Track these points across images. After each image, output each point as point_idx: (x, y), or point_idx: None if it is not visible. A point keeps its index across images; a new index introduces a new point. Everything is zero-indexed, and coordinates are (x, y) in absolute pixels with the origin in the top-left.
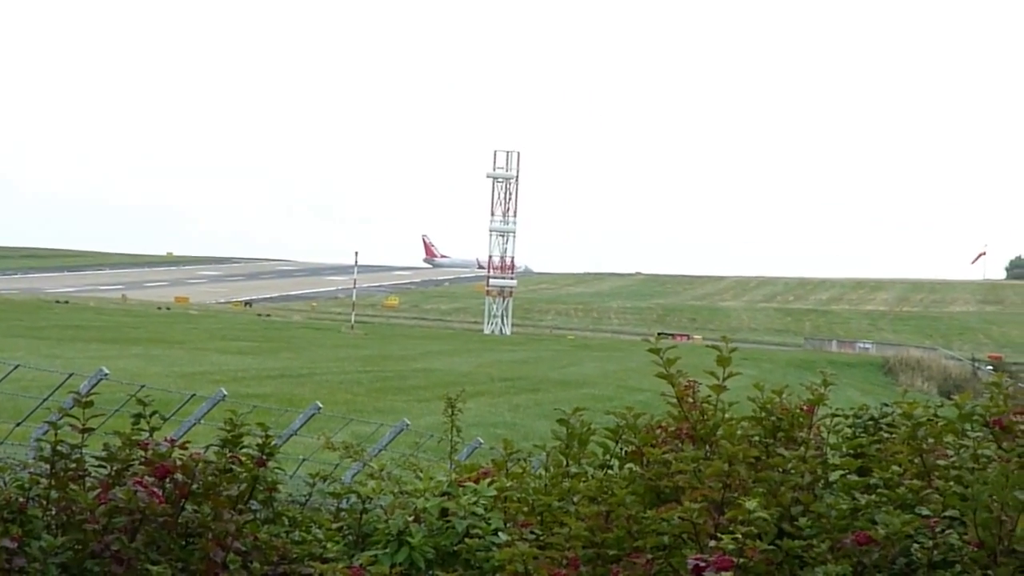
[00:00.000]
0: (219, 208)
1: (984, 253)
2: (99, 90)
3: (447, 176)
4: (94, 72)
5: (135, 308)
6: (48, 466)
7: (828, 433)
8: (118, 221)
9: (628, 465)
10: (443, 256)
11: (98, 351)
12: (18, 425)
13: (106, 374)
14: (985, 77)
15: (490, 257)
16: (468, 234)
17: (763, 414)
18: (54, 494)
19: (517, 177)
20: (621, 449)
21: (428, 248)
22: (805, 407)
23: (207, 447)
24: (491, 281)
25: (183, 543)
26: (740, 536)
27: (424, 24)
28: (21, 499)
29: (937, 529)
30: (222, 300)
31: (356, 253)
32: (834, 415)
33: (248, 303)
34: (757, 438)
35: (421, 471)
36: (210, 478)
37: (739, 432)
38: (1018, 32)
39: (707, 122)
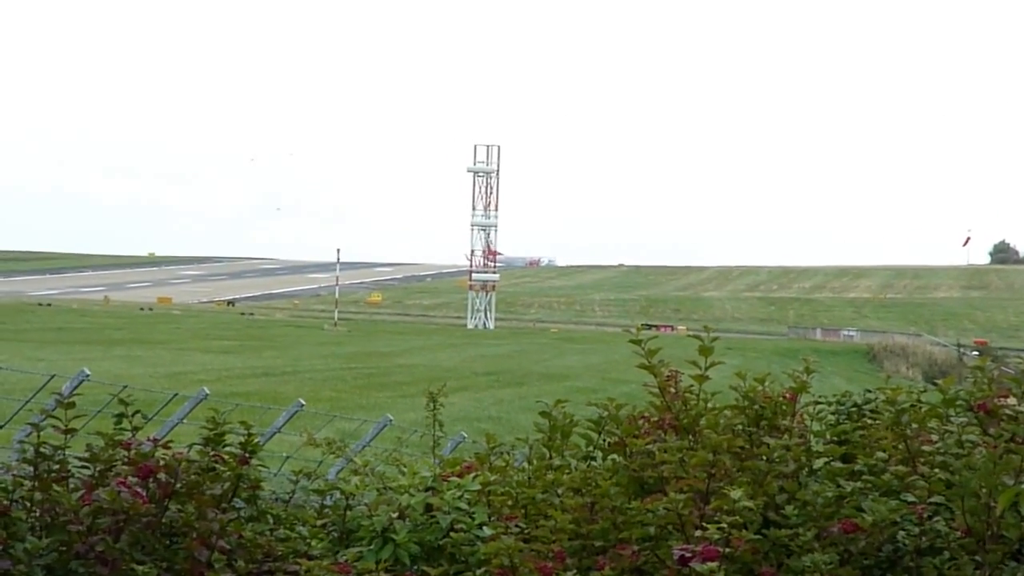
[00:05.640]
0: (201, 207)
1: (970, 238)
2: (75, 90)
3: (429, 171)
4: (70, 71)
5: (117, 309)
6: (31, 468)
7: (811, 421)
8: (99, 222)
9: (611, 456)
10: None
11: (81, 353)
12: (1, 428)
13: (88, 375)
14: (966, 64)
15: (472, 251)
16: (451, 229)
17: (745, 403)
18: (38, 496)
19: (498, 171)
20: (604, 440)
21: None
22: (788, 395)
23: (190, 446)
24: (474, 275)
25: (167, 543)
26: (726, 526)
27: (405, 20)
28: (5, 502)
29: (924, 516)
30: (204, 300)
31: (338, 250)
32: (817, 402)
33: (231, 302)
34: (740, 427)
35: (405, 467)
36: (193, 477)
37: (722, 421)
38: (1005, 22)
39: (689, 113)
